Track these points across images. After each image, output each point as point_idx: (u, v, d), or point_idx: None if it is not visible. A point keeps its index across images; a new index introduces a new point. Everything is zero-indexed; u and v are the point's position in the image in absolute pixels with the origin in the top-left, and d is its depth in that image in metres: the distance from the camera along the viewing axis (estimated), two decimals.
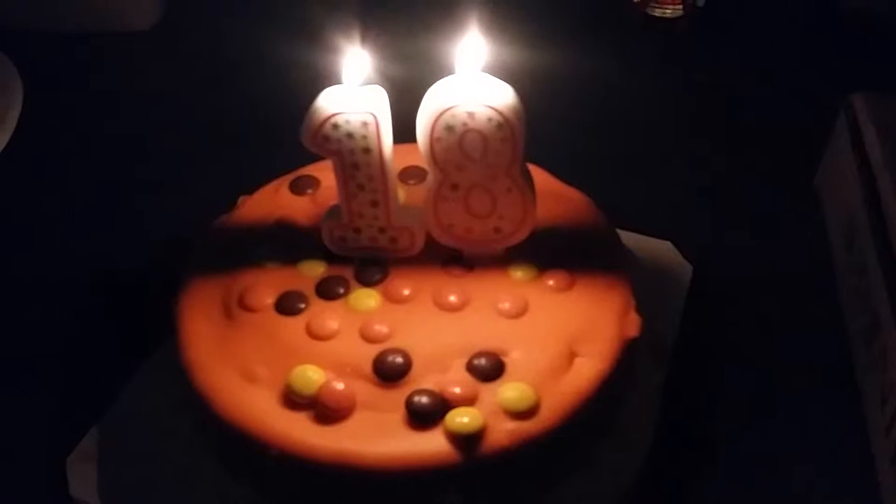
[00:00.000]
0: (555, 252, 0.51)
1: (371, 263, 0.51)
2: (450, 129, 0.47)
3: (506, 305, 0.49)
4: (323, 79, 0.48)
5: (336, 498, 0.45)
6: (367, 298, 0.49)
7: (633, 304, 0.50)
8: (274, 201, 0.55)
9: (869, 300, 0.55)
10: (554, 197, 0.54)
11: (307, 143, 0.47)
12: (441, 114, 0.46)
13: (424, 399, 0.44)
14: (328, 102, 0.47)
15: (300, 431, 0.44)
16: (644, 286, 0.52)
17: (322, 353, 0.47)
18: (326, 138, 0.47)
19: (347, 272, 0.51)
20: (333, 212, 0.51)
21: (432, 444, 0.44)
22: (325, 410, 0.45)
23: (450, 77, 0.47)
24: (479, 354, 0.46)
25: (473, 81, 0.47)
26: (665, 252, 0.60)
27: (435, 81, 0.47)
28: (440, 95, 0.46)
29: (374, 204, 0.49)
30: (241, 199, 0.57)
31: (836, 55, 0.80)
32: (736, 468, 0.52)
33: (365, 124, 0.46)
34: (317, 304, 0.49)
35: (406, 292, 0.49)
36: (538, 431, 0.44)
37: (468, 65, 0.47)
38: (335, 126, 0.47)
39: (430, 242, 0.51)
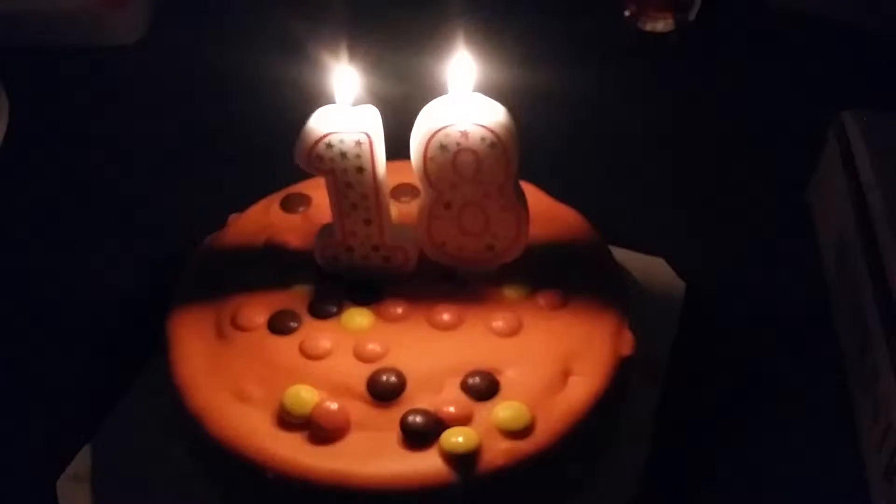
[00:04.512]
0: (548, 270, 0.51)
1: (364, 282, 0.51)
2: (443, 148, 0.47)
3: (499, 324, 0.49)
4: (312, 97, 0.48)
5: None
6: (360, 317, 0.49)
7: (627, 321, 0.50)
8: (265, 219, 0.55)
9: (861, 316, 0.55)
10: (546, 215, 0.54)
11: (301, 162, 0.47)
12: (435, 133, 0.46)
13: (419, 419, 0.44)
14: (321, 122, 0.46)
15: (294, 452, 0.44)
16: (637, 303, 0.52)
17: (315, 372, 0.46)
18: (320, 158, 0.47)
19: (340, 291, 0.50)
20: (326, 230, 0.51)
21: (427, 464, 0.43)
22: (320, 431, 0.44)
23: (443, 97, 0.47)
24: (474, 373, 0.46)
25: (466, 101, 0.47)
26: (658, 269, 0.60)
27: (427, 101, 0.47)
28: (434, 115, 0.47)
29: (368, 222, 0.49)
30: (231, 216, 0.57)
31: (826, 73, 0.80)
32: (730, 486, 0.52)
33: (359, 144, 0.46)
34: (309, 323, 0.49)
35: (399, 311, 0.49)
36: (533, 450, 0.44)
37: (461, 84, 0.47)
38: (329, 146, 0.47)
39: (423, 261, 0.51)
